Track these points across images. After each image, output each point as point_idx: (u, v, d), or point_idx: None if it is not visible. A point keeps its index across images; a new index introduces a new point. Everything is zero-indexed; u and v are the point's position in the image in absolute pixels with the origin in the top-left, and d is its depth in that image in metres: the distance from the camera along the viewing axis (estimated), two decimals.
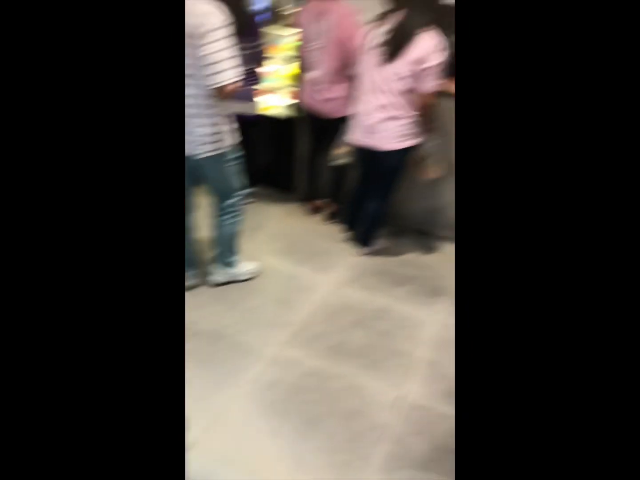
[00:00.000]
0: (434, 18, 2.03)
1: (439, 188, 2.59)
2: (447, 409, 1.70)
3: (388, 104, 2.15)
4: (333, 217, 2.86)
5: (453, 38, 2.47)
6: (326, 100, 2.50)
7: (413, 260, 2.60)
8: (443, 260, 2.58)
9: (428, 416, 1.68)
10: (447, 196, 2.66)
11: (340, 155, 2.56)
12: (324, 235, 2.74)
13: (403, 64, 2.05)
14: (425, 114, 2.18)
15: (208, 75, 1.65)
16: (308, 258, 2.50)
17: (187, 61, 1.63)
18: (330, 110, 2.52)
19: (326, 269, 2.44)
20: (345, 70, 2.38)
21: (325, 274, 2.40)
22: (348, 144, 2.49)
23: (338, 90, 2.47)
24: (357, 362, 1.88)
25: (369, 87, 2.18)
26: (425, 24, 2.00)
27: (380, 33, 2.08)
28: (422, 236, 2.80)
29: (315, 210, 2.93)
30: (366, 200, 2.48)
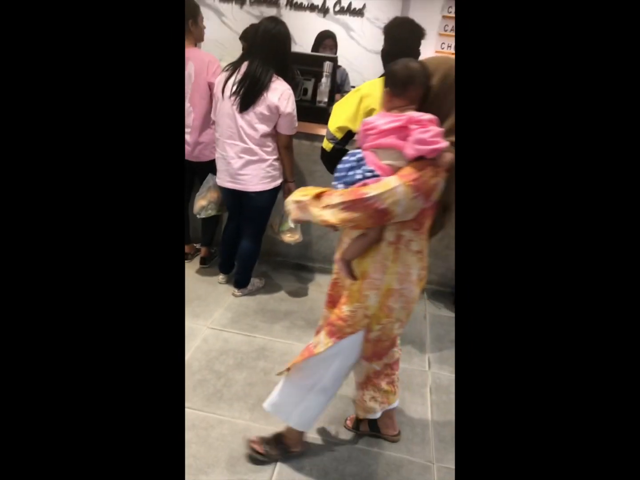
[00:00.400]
0: (283, 65, 2.17)
1: (309, 223, 2.71)
2: (330, 438, 1.75)
3: (249, 149, 2.23)
4: (207, 260, 2.83)
5: (306, 84, 2.67)
6: (193, 144, 2.51)
7: (290, 294, 2.66)
8: (318, 291, 2.68)
9: (313, 449, 1.71)
10: (318, 230, 2.81)
11: (206, 207, 2.56)
12: (199, 280, 2.69)
13: (259, 110, 2.15)
14: (285, 156, 2.30)
15: None
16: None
17: None
18: (197, 154, 2.54)
19: (204, 314, 2.39)
20: (211, 115, 2.43)
21: (204, 320, 2.35)
22: (214, 189, 2.52)
23: (205, 135, 2.50)
24: (239, 405, 1.85)
25: (230, 132, 2.24)
26: (275, 71, 2.14)
27: (234, 81, 2.17)
28: (297, 270, 2.89)
29: (188, 255, 2.88)
30: (239, 240, 2.51)
